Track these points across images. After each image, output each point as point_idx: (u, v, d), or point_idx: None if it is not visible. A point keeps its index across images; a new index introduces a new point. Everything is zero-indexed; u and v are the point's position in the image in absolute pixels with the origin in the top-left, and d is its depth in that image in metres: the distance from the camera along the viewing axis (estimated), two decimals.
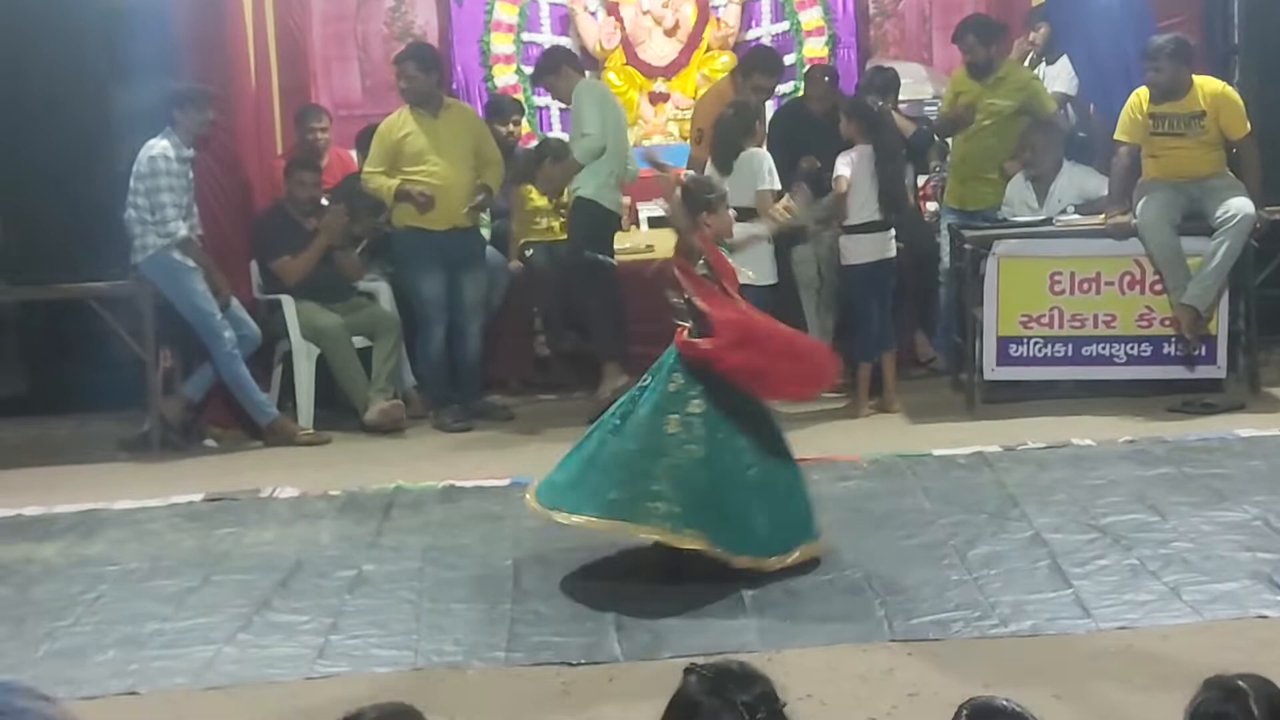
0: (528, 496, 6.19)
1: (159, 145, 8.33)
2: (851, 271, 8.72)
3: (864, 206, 8.56)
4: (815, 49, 11.33)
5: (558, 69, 9.04)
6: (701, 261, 6.08)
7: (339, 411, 8.89)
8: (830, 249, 8.87)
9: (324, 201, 9.14)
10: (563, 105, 9.80)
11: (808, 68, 10.35)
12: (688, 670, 2.75)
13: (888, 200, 8.57)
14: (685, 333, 6.07)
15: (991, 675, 4.92)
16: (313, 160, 9.36)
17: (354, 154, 9.99)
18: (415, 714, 2.77)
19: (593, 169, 8.86)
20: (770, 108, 9.78)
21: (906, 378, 9.10)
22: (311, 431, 8.68)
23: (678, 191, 6.28)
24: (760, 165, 8.48)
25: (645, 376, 6.13)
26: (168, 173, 8.30)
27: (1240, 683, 2.67)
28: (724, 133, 8.59)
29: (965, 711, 2.71)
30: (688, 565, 5.94)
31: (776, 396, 6.35)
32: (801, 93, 9.90)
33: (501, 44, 11.40)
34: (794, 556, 6.03)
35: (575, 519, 5.96)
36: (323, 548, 6.73)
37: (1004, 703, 2.74)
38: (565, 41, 11.17)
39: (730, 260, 6.27)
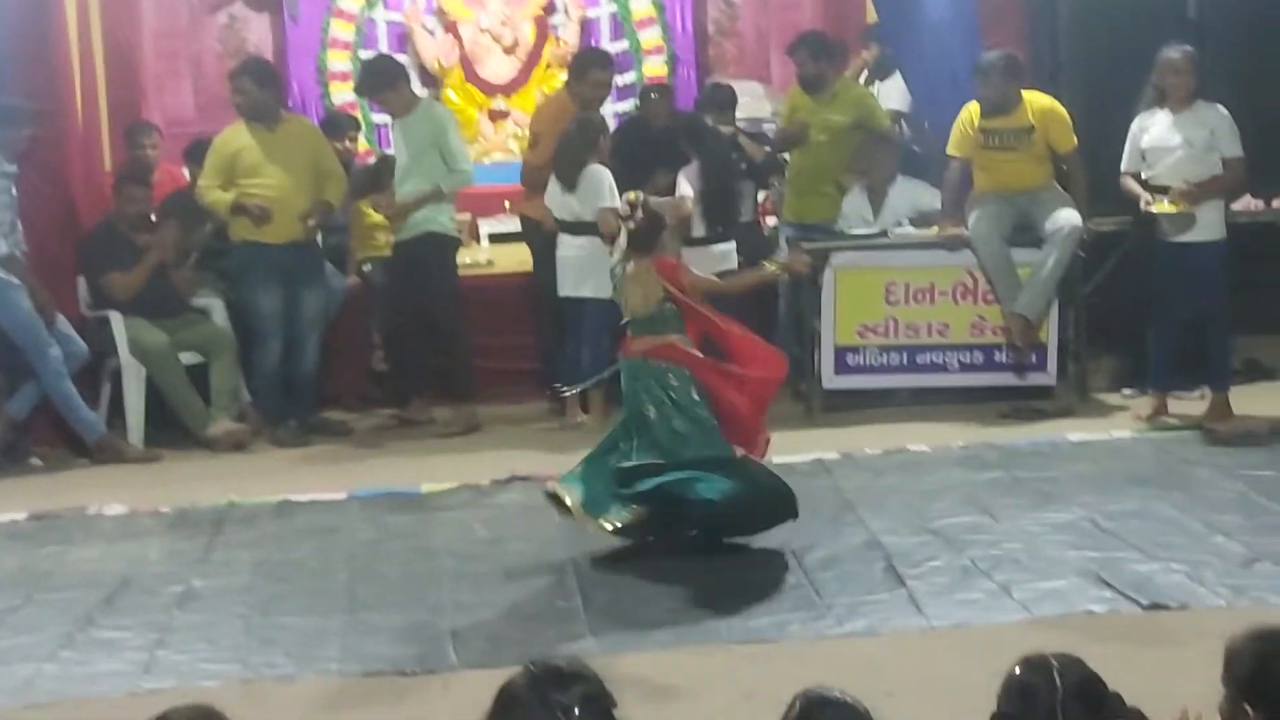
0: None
1: None
2: None
3: (698, 222, 8.61)
4: (655, 68, 11.38)
5: (395, 84, 8.95)
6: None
7: (171, 429, 8.70)
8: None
9: (153, 217, 8.96)
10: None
11: (641, 87, 10.39)
12: (525, 666, 2.73)
13: (711, 215, 8.63)
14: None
15: (827, 674, 4.82)
16: (143, 176, 9.19)
17: (185, 170, 9.84)
18: (217, 715, 2.80)
19: (445, 202, 8.85)
20: (611, 123, 9.79)
21: None
22: (142, 449, 8.49)
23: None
24: (601, 182, 8.49)
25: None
26: None
27: (1049, 658, 2.74)
28: (567, 148, 8.59)
29: (799, 702, 2.75)
30: None
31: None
32: (639, 109, 9.91)
33: (338, 61, 11.29)
34: None
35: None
36: (151, 564, 6.59)
37: (837, 694, 2.76)
38: (403, 59, 11.10)
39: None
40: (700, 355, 6.37)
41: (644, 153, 8.99)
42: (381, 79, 8.99)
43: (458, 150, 8.92)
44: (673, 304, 6.34)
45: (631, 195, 6.59)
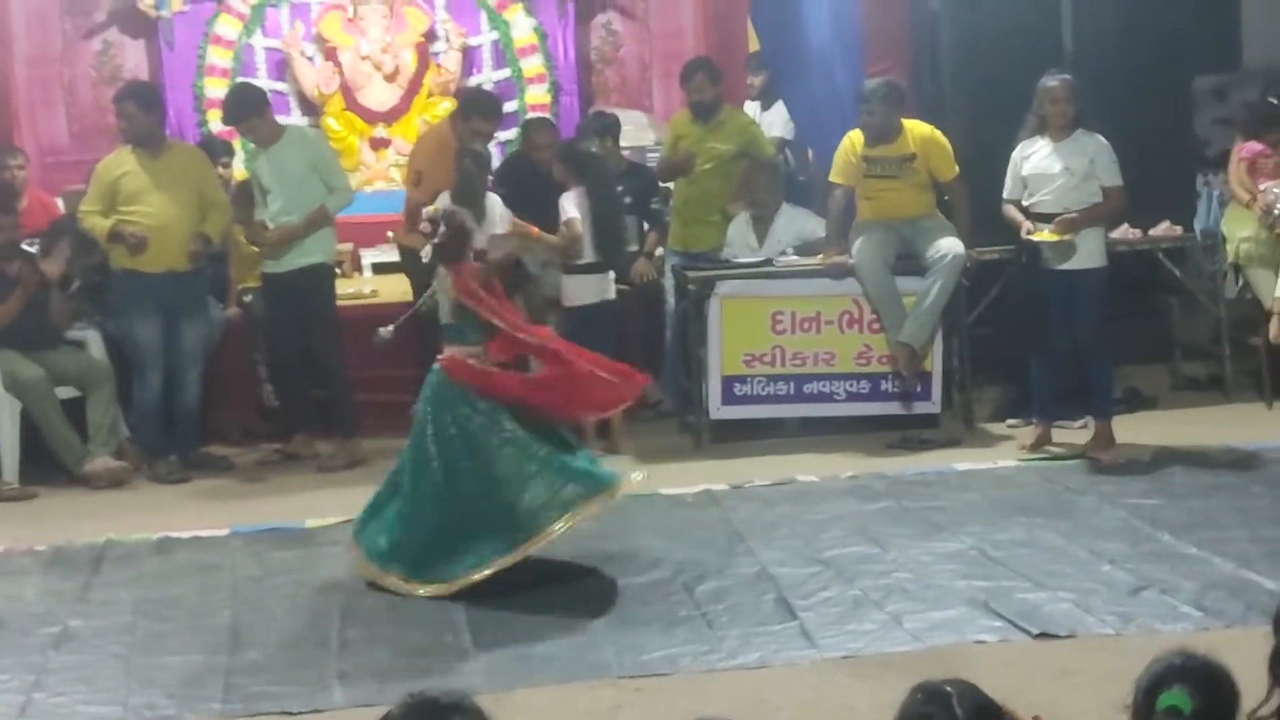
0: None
1: None
2: (572, 313, 8.72)
3: (588, 246, 8.59)
4: (537, 96, 11.36)
5: (261, 110, 8.81)
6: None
7: (47, 465, 8.48)
8: (554, 290, 8.86)
9: (25, 246, 8.75)
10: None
11: (525, 119, 10.34)
12: (403, 699, 2.68)
13: (605, 242, 8.61)
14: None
15: (720, 707, 4.91)
16: (9, 203, 8.97)
17: (59, 200, 9.66)
18: None
19: (327, 231, 8.75)
20: (495, 156, 9.74)
21: (635, 420, 9.09)
22: (16, 486, 8.26)
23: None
24: (494, 209, 8.49)
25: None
26: None
27: (945, 686, 2.72)
28: (469, 181, 8.51)
29: None
30: None
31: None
32: (521, 144, 9.86)
33: (215, 89, 11.10)
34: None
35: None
36: (26, 604, 6.42)
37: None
38: (282, 87, 10.98)
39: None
40: (493, 369, 6.41)
41: (530, 186, 8.95)
42: (245, 106, 8.82)
43: (338, 169, 8.94)
44: (472, 314, 6.41)
45: (433, 210, 6.93)
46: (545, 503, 6.14)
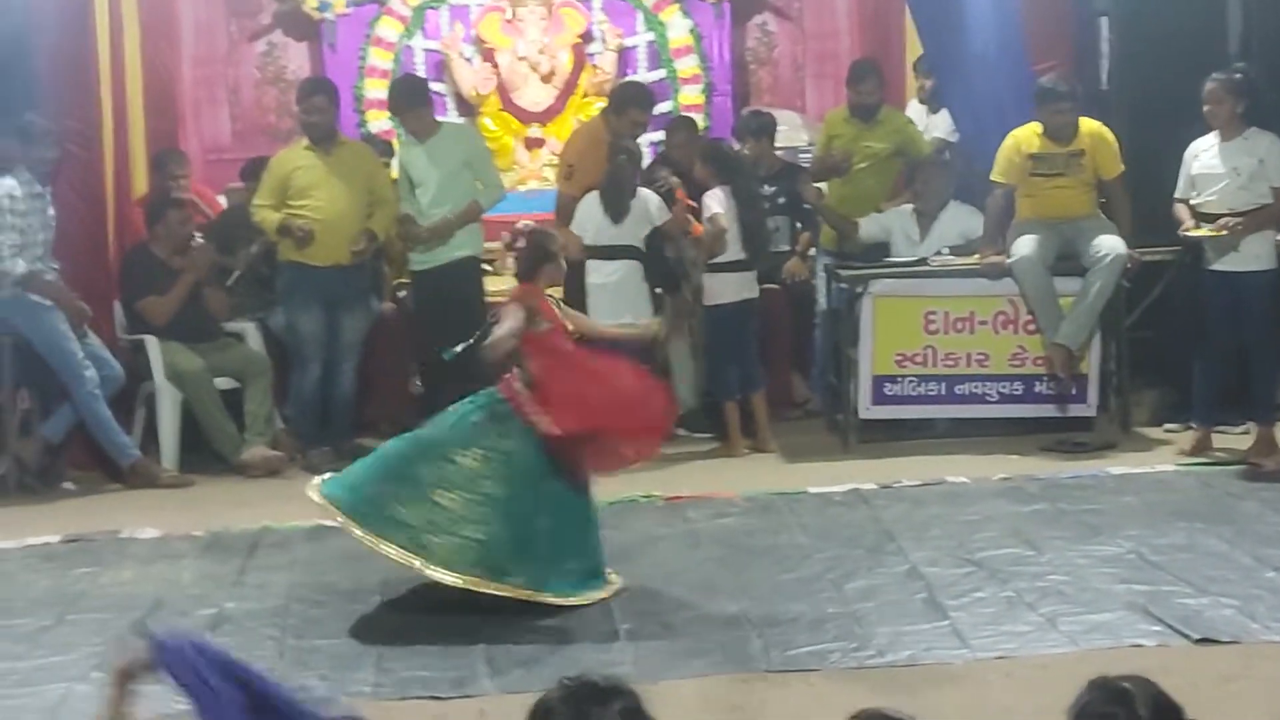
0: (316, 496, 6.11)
1: (4, 184, 8.06)
2: (714, 311, 8.69)
3: (728, 246, 8.55)
4: (691, 96, 11.32)
5: (427, 102, 9.07)
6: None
7: (205, 454, 8.66)
8: (699, 290, 8.85)
9: (197, 238, 8.96)
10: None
11: (668, 121, 10.35)
12: (560, 682, 2.68)
13: (749, 240, 8.56)
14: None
15: (869, 704, 4.80)
16: (179, 199, 9.18)
17: (221, 197, 9.90)
18: None
19: (475, 225, 8.86)
20: (647, 155, 9.76)
21: (782, 419, 9.07)
22: (175, 473, 8.45)
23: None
24: (649, 205, 8.51)
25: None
26: (11, 211, 8.01)
27: (1125, 684, 2.63)
28: (620, 180, 8.55)
29: None
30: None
31: (613, 463, 6.32)
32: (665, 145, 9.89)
33: (376, 90, 11.24)
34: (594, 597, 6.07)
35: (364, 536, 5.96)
36: (184, 587, 6.54)
37: (894, 713, 2.69)
38: (440, 87, 11.07)
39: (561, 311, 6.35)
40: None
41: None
42: (412, 95, 9.06)
43: (492, 166, 9.13)
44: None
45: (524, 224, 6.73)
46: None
